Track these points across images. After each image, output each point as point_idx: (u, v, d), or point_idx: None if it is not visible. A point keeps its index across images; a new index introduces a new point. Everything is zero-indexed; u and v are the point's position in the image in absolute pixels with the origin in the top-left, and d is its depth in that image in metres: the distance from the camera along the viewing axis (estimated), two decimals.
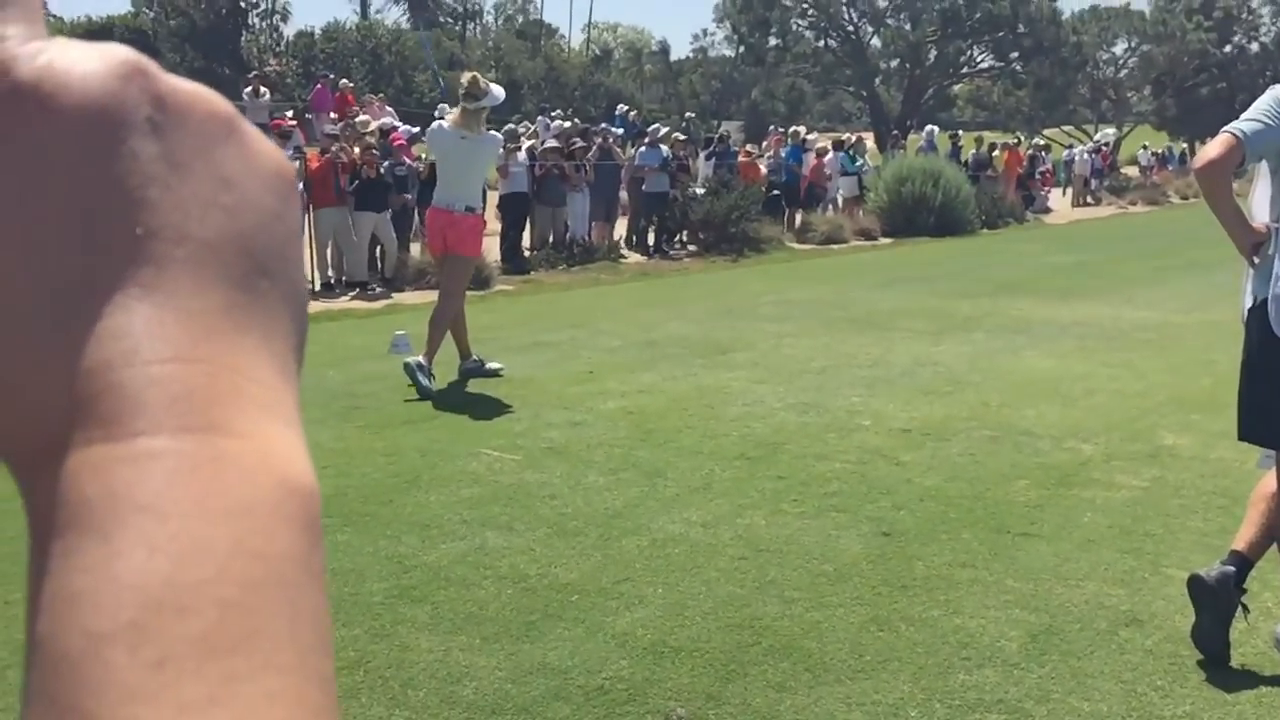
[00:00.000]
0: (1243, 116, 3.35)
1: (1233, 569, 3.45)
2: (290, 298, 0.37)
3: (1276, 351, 3.30)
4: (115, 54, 0.36)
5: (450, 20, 72.48)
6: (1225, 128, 3.38)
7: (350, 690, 3.22)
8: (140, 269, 0.34)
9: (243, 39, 49.00)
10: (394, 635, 3.57)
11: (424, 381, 6.99)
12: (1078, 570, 4.11)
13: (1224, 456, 5.54)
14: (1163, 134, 53.77)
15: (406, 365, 7.07)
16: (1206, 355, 8.15)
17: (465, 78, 7.49)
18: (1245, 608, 3.42)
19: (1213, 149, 3.38)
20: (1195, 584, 3.43)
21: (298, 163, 12.44)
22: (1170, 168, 37.82)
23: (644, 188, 16.31)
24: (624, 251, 15.82)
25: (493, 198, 13.28)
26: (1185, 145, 48.51)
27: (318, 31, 52.28)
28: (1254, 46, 54.83)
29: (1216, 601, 3.40)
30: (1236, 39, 54.04)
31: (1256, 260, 3.35)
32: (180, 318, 0.34)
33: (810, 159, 20.35)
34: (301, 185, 12.45)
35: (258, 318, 0.36)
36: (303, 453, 0.35)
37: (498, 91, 7.51)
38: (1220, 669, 3.35)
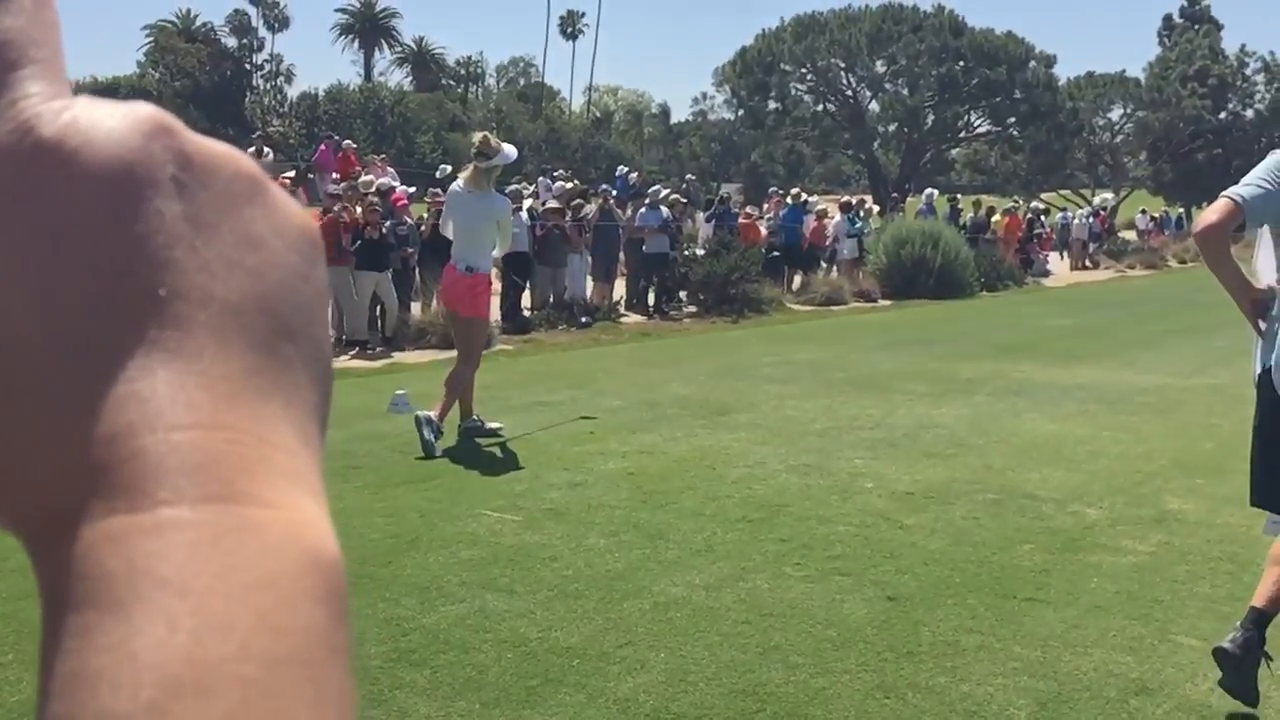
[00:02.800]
0: (1242, 181, 3.36)
1: (1254, 631, 3.42)
2: (314, 361, 0.36)
3: None
4: (140, 112, 0.35)
5: (453, 83, 73.44)
6: (1224, 192, 3.39)
7: None
8: (163, 332, 0.32)
9: (247, 100, 49.62)
10: (392, 701, 3.51)
11: (428, 436, 6.98)
12: (1086, 637, 4.06)
13: (1230, 521, 5.50)
14: (1159, 199, 54.25)
15: (417, 418, 7.07)
16: (1208, 419, 8.13)
17: (477, 137, 7.56)
18: (1269, 657, 3.39)
19: (1211, 214, 3.39)
20: (1221, 655, 3.42)
21: None
22: (1168, 232, 38.10)
23: (644, 248, 16.39)
24: (623, 312, 15.86)
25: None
26: (1182, 210, 48.92)
27: (321, 93, 52.98)
28: (1249, 113, 55.45)
29: (1242, 665, 3.39)
30: (1231, 106, 54.66)
31: (1262, 324, 3.35)
32: (203, 383, 0.32)
33: (810, 221, 20.48)
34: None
35: (281, 382, 0.34)
36: (326, 523, 0.33)
37: (509, 150, 7.56)
38: None
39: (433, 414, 7.10)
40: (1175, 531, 5.38)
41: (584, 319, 14.27)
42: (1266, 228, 3.34)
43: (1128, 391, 9.49)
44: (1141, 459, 6.93)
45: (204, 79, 46.74)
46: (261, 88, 52.62)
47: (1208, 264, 3.52)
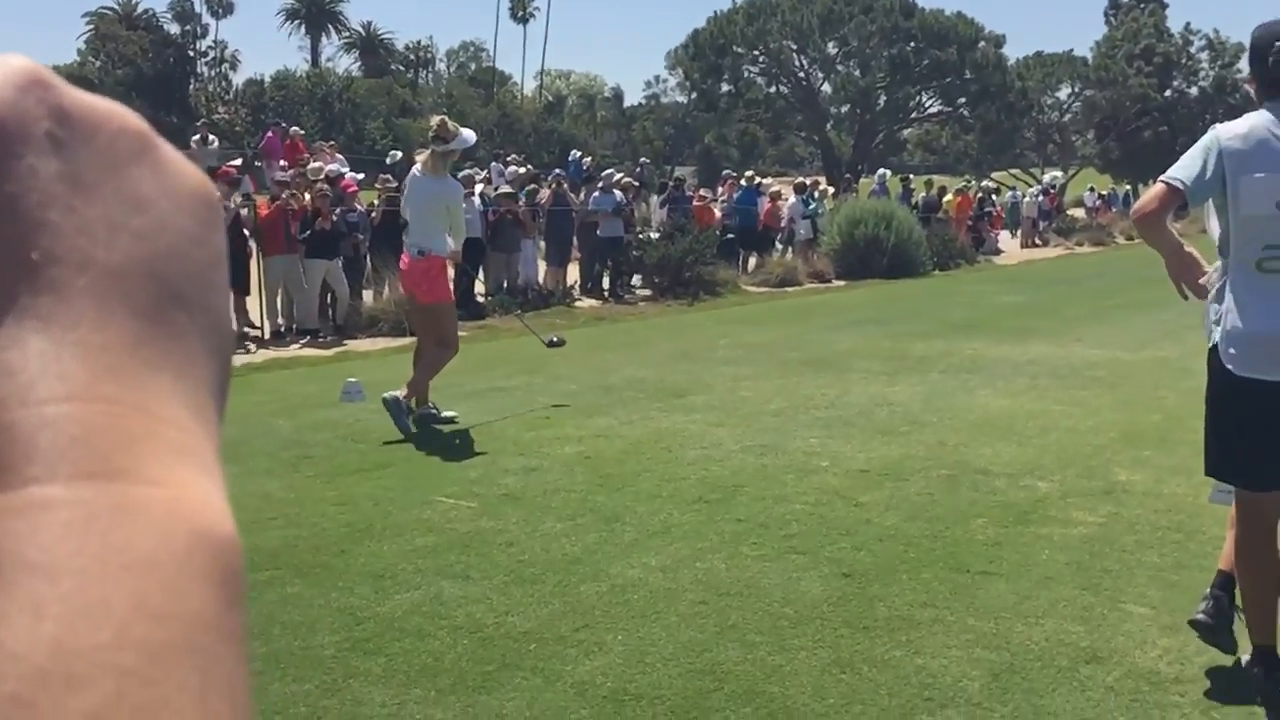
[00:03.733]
0: (1179, 163, 3.39)
1: (1222, 593, 3.54)
2: (211, 331, 0.34)
3: (1234, 389, 3.32)
4: (11, 64, 0.33)
5: (402, 68, 72.74)
6: (1162, 177, 3.43)
7: None
8: (36, 298, 0.31)
9: (191, 87, 48.88)
10: (346, 689, 3.48)
11: (405, 420, 7.03)
12: (1037, 608, 4.11)
13: (1176, 491, 5.59)
14: (1106, 176, 54.91)
15: (385, 401, 7.05)
16: (1155, 392, 8.25)
17: (434, 121, 7.49)
18: (1239, 608, 3.54)
19: (1149, 202, 3.43)
20: (1197, 625, 3.56)
21: (247, 210, 12.36)
22: (1115, 209, 38.55)
23: (598, 232, 16.35)
24: (578, 296, 15.83)
25: None
26: (1129, 187, 49.55)
27: (267, 79, 52.28)
28: (1193, 91, 56.21)
29: (1217, 629, 3.53)
30: (1176, 84, 55.39)
31: (1188, 297, 3.39)
32: (80, 353, 0.30)
33: (764, 202, 20.53)
34: (250, 233, 12.36)
35: (172, 353, 0.32)
36: (220, 501, 0.31)
37: (468, 135, 7.49)
38: (1181, 706, 3.35)
39: (399, 394, 7.08)
40: (1124, 502, 5.46)
41: (537, 305, 14.23)
42: (1211, 201, 3.38)
43: (1077, 366, 9.61)
44: (1091, 432, 7.02)
45: (146, 67, 45.92)
46: (206, 75, 51.81)
47: (1148, 244, 3.56)
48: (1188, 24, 56.98)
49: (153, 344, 0.32)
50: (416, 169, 7.52)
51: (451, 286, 7.53)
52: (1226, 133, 3.29)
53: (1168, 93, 54.26)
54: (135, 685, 0.26)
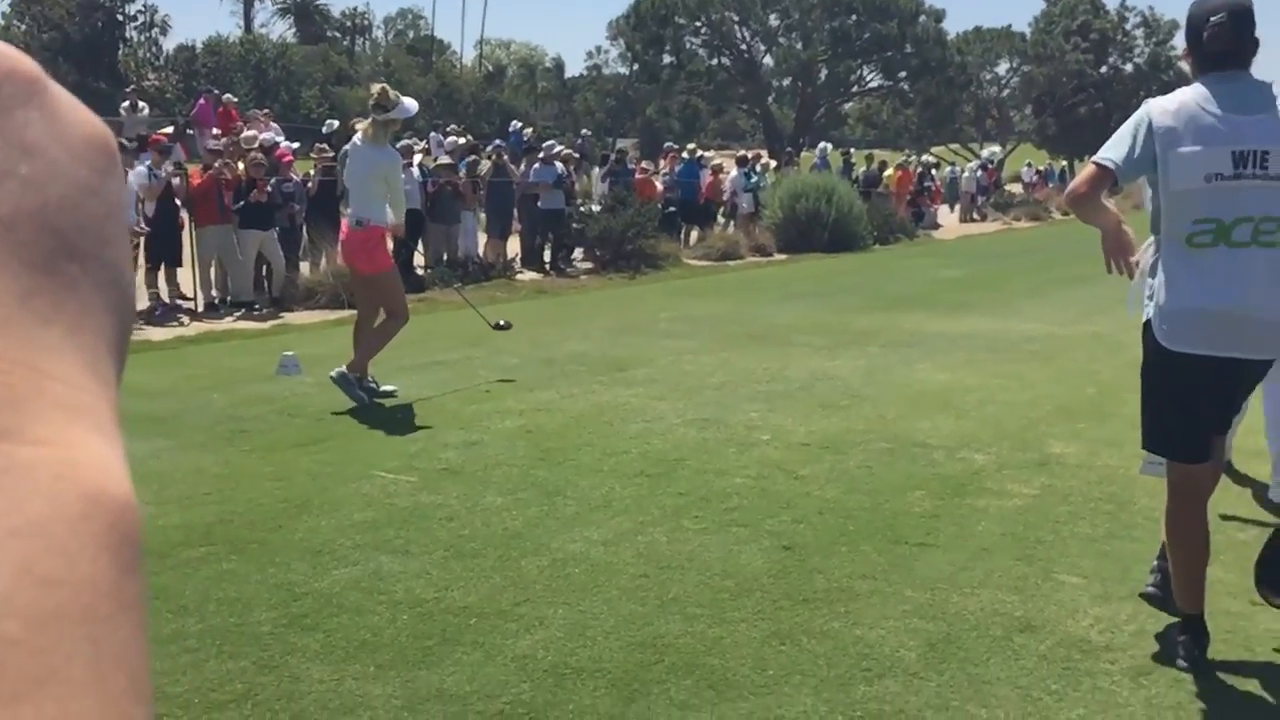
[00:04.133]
0: (1109, 142, 3.43)
1: (1167, 564, 3.61)
2: (108, 285, 0.32)
3: (1167, 364, 3.37)
4: None
5: (338, 35, 71.54)
6: (1094, 158, 3.47)
7: None
8: None
9: (120, 53, 47.70)
10: (283, 666, 3.44)
11: (358, 391, 7.02)
12: (973, 578, 4.16)
13: (1109, 463, 5.70)
14: (1043, 152, 55.65)
15: (335, 378, 7.03)
16: (1090, 366, 8.40)
17: (375, 89, 7.37)
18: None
19: (1081, 184, 3.48)
20: (1147, 598, 3.67)
21: (179, 180, 12.10)
22: (1051, 184, 39.09)
23: (539, 204, 16.24)
24: (519, 269, 15.73)
25: None
26: (1065, 163, 50.27)
27: (199, 45, 51.16)
28: (1128, 67, 57.03)
29: (1167, 599, 3.64)
30: (1112, 60, 56.15)
31: (1121, 273, 3.44)
32: None
33: (706, 176, 20.52)
34: (182, 203, 12.10)
35: (65, 307, 0.30)
36: (116, 463, 0.29)
37: (409, 104, 7.38)
38: (1111, 674, 3.42)
39: (350, 373, 7.06)
40: (1057, 474, 5.55)
41: (477, 277, 14.12)
42: (1145, 178, 3.42)
43: (1014, 340, 9.75)
44: (1027, 405, 7.13)
45: (73, 30, 44.66)
46: (135, 40, 50.50)
47: (1085, 223, 3.60)
48: (1123, 1, 57.67)
49: (43, 297, 0.30)
50: (357, 138, 7.42)
51: (392, 255, 7.41)
52: (1157, 108, 3.33)
53: (1104, 69, 55.03)
54: (21, 655, 0.24)
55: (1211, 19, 3.22)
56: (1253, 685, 3.36)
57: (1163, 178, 3.28)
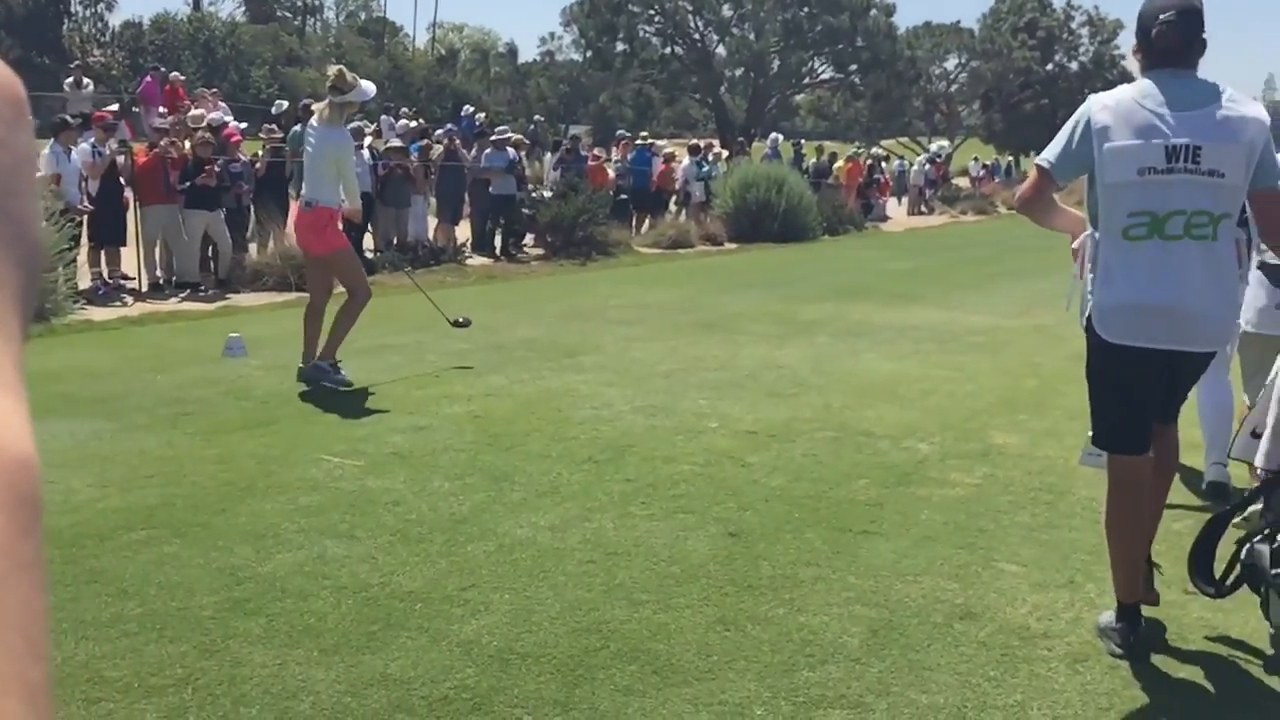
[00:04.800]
0: (1051, 143, 3.51)
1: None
2: (15, 241, 0.31)
3: (1109, 356, 3.43)
4: None
5: (289, 14, 70.53)
6: (1036, 159, 3.55)
7: (177, 710, 3.05)
8: None
9: (64, 28, 46.70)
10: (225, 650, 3.41)
11: (337, 377, 7.05)
12: (915, 566, 4.22)
13: (1049, 454, 5.79)
14: (990, 147, 56.23)
15: (305, 373, 7.07)
16: (1033, 358, 8.53)
17: (332, 70, 7.31)
18: (1158, 565, 3.72)
19: (1026, 190, 3.60)
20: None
21: (123, 158, 11.88)
22: (998, 179, 39.55)
23: (491, 190, 16.15)
24: (469, 254, 15.64)
25: None
26: (1011, 158, 50.86)
27: (146, 22, 50.23)
28: (1074, 65, 57.76)
29: (1145, 589, 3.64)
30: (1058, 58, 56.85)
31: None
32: None
33: (658, 164, 20.51)
34: (126, 181, 11.87)
35: None
36: (16, 418, 0.28)
37: (367, 86, 7.33)
38: (1048, 660, 3.48)
39: (321, 362, 7.08)
40: (999, 464, 5.63)
41: (427, 262, 14.02)
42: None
43: (959, 332, 9.86)
44: (970, 396, 7.23)
45: (16, 4, 43.62)
46: (80, 15, 49.47)
47: (1043, 226, 3.67)
48: (1069, 0, 58.41)
49: None
50: (314, 119, 7.37)
51: (341, 233, 7.34)
52: (1097, 104, 3.39)
53: (1050, 66, 55.69)
54: None
55: (1161, 17, 3.28)
56: (1185, 672, 3.44)
57: (1098, 171, 3.34)
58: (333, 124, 7.15)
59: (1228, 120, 3.22)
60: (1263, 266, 4.01)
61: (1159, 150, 3.23)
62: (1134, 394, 3.45)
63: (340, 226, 7.30)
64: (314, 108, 7.63)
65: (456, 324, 8.52)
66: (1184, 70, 3.32)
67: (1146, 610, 3.60)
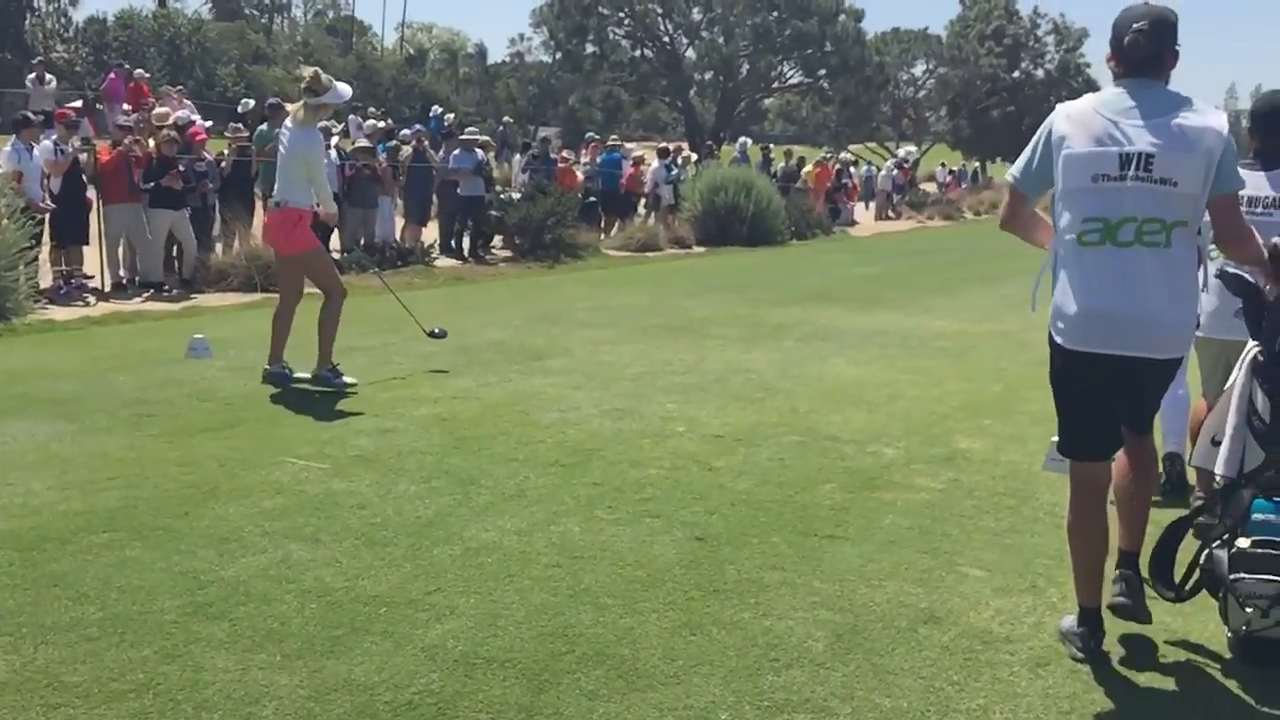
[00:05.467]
0: (1019, 157, 3.56)
1: (1130, 572, 3.62)
2: None
3: (1067, 363, 3.46)
4: None
5: (256, 12, 70.01)
6: (1006, 175, 3.61)
7: (138, 715, 3.02)
8: None
9: (27, 23, 46.12)
10: (187, 655, 3.38)
11: (339, 380, 7.11)
12: (880, 570, 4.24)
13: (1013, 459, 5.84)
14: (957, 153, 56.67)
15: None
16: (997, 363, 8.60)
17: (307, 72, 7.32)
18: (1148, 581, 3.65)
19: (1003, 210, 3.71)
20: (1117, 610, 3.57)
21: (86, 155, 11.75)
22: (964, 185, 39.88)
23: (459, 191, 16.10)
24: (436, 255, 15.57)
25: None
26: (978, 164, 51.26)
27: (111, 18, 49.71)
28: (1040, 73, 58.39)
29: (1137, 608, 3.58)
30: (1024, 65, 57.42)
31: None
32: None
33: (627, 167, 20.52)
34: (89, 179, 11.74)
35: None
36: None
37: (342, 89, 7.33)
38: (1011, 664, 3.51)
39: (321, 370, 7.15)
40: (963, 469, 5.68)
41: (394, 263, 13.94)
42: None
43: (925, 337, 9.93)
44: (935, 401, 7.28)
45: None
46: (43, 10, 48.85)
47: (1029, 243, 3.68)
48: (1035, 7, 59.20)
49: None
50: (287, 120, 7.33)
51: (311, 233, 7.29)
52: (1060, 113, 3.43)
53: (1016, 73, 56.25)
54: None
55: (1134, 26, 3.31)
56: (1146, 676, 3.48)
57: (1057, 178, 3.38)
58: (306, 125, 7.11)
59: (1183, 130, 3.24)
60: (1221, 275, 4.06)
61: (1114, 157, 3.27)
62: (1093, 400, 3.47)
63: (310, 227, 7.25)
64: (288, 108, 7.58)
65: (432, 335, 8.46)
66: (1151, 80, 3.35)
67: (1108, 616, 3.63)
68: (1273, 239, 3.58)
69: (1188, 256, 3.33)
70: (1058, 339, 3.43)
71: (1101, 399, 3.46)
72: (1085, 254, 3.33)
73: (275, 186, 7.35)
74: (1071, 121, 3.36)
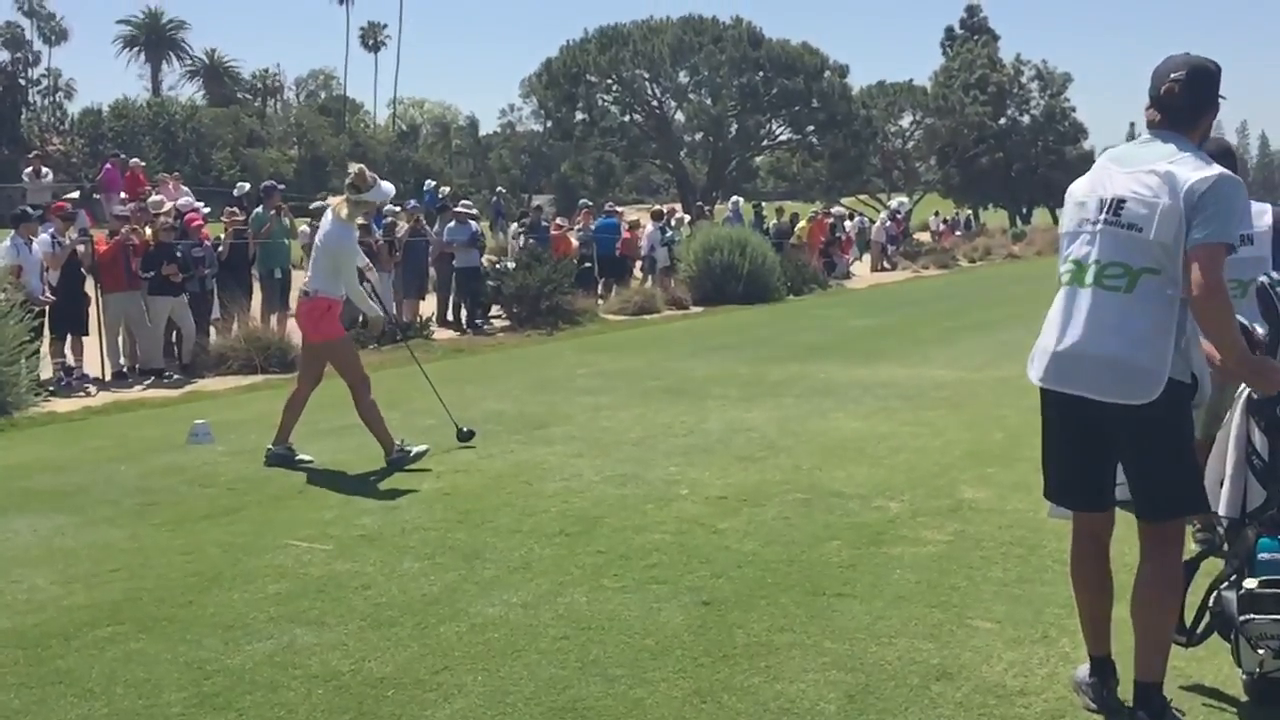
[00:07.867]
0: None
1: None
2: None
3: (1043, 403, 3.49)
4: None
5: (249, 96, 70.96)
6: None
7: None
8: None
9: (23, 117, 46.75)
10: None
11: (413, 454, 7.14)
12: (890, 627, 4.21)
13: (1019, 507, 5.82)
14: (949, 201, 57.10)
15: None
16: (998, 411, 8.59)
17: (353, 168, 7.40)
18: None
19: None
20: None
21: (84, 247, 11.85)
22: (958, 233, 40.11)
23: (454, 263, 16.21)
24: (434, 328, 15.63)
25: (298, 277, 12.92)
26: (970, 211, 51.61)
27: (105, 109, 50.38)
28: (1025, 119, 58.99)
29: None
30: (1010, 112, 58.02)
31: None
32: None
33: (623, 230, 20.68)
34: (87, 270, 11.82)
35: None
36: None
37: (386, 187, 7.47)
38: (1026, 718, 3.47)
39: (392, 455, 7.11)
40: (969, 520, 5.65)
41: (393, 338, 13.99)
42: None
43: (925, 387, 9.94)
44: (938, 452, 7.27)
45: None
46: (39, 104, 49.56)
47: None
48: (1018, 55, 59.73)
49: None
50: (328, 212, 7.47)
51: (339, 323, 7.34)
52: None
53: (1002, 120, 56.79)
54: None
55: (1172, 75, 3.35)
56: None
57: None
58: (346, 222, 7.21)
59: (1160, 177, 3.23)
60: None
61: (1095, 203, 3.34)
62: (1058, 446, 3.49)
63: (338, 314, 7.29)
64: (332, 201, 7.71)
65: (462, 435, 7.93)
66: (1177, 132, 3.32)
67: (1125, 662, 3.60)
68: (1258, 278, 3.59)
69: (1154, 303, 3.20)
70: (1031, 377, 3.48)
71: (1065, 443, 3.46)
72: (1060, 294, 3.41)
73: (307, 275, 7.43)
74: (1089, 173, 3.48)
